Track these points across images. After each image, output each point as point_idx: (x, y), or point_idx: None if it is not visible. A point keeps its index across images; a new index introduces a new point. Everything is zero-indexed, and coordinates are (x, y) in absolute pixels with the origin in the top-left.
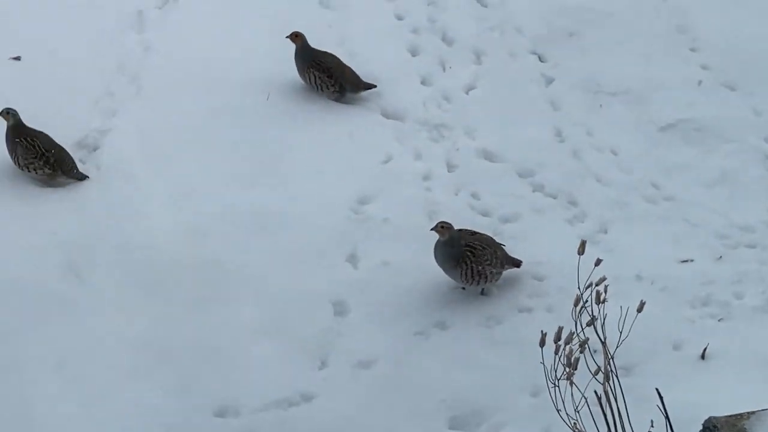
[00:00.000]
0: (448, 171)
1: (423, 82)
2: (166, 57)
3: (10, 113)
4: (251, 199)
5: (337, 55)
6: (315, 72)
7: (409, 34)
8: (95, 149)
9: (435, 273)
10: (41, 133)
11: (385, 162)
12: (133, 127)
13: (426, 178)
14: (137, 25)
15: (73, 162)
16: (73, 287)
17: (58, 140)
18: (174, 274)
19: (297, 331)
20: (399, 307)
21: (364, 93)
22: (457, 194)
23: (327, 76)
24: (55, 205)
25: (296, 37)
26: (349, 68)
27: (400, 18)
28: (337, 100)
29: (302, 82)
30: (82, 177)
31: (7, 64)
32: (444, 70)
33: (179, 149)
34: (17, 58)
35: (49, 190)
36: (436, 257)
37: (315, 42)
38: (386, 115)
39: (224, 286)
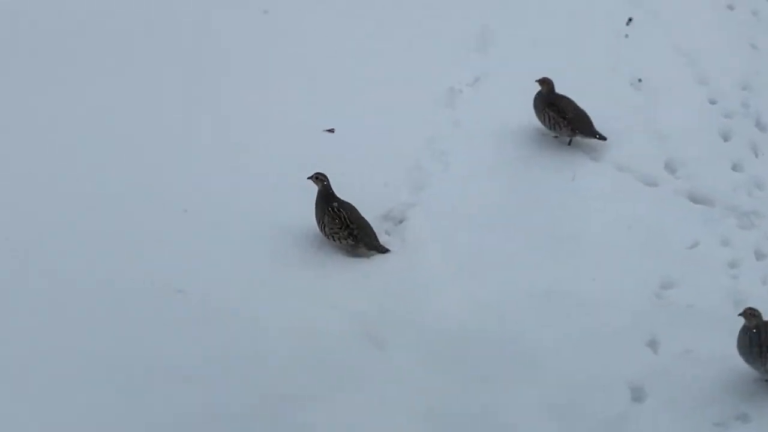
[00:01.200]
0: (757, 260)
1: (734, 168)
2: (475, 133)
3: (319, 178)
4: (547, 277)
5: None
6: (551, 112)
7: (722, 118)
8: (401, 222)
9: (740, 363)
10: (348, 204)
11: (691, 247)
12: (439, 202)
13: (733, 265)
14: (448, 101)
15: (375, 235)
16: (370, 357)
17: (364, 211)
18: (465, 348)
19: (589, 414)
20: (699, 396)
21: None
22: (765, 283)
23: (561, 117)
24: (357, 275)
25: (544, 82)
26: (585, 113)
27: (713, 102)
28: (570, 138)
29: (540, 124)
30: (384, 250)
31: (322, 136)
32: (756, 156)
33: (482, 225)
34: (331, 131)
35: (353, 259)
36: (738, 345)
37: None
38: (694, 200)
39: (515, 363)
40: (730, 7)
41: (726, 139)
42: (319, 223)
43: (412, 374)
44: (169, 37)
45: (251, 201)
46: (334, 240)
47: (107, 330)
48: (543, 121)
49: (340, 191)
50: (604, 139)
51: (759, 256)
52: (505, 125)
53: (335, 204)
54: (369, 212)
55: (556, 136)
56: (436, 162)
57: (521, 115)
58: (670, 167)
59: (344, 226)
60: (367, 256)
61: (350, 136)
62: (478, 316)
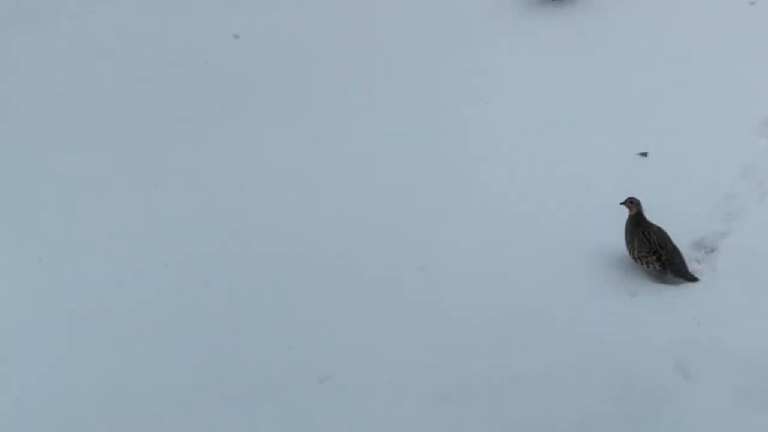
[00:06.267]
0: None
1: None
2: None
3: (633, 203)
4: None
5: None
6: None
7: None
8: (712, 251)
9: None
10: (659, 228)
11: None
12: (753, 233)
13: None
14: (766, 129)
15: (684, 263)
16: (678, 387)
17: (675, 237)
18: None
19: None
20: None
21: None
22: None
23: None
24: (668, 300)
25: (631, 203)
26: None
27: None
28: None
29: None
30: (693, 279)
31: (635, 160)
32: None
33: None
34: (644, 154)
35: (661, 286)
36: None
37: None
38: None
39: None
40: None
41: None
42: (628, 246)
43: (720, 409)
44: None
45: (565, 222)
46: (642, 264)
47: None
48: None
49: (652, 216)
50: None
51: None
52: None
53: (646, 228)
54: (680, 239)
55: None
56: (752, 191)
57: None
58: None
59: (653, 251)
60: (675, 284)
61: (664, 161)
62: None
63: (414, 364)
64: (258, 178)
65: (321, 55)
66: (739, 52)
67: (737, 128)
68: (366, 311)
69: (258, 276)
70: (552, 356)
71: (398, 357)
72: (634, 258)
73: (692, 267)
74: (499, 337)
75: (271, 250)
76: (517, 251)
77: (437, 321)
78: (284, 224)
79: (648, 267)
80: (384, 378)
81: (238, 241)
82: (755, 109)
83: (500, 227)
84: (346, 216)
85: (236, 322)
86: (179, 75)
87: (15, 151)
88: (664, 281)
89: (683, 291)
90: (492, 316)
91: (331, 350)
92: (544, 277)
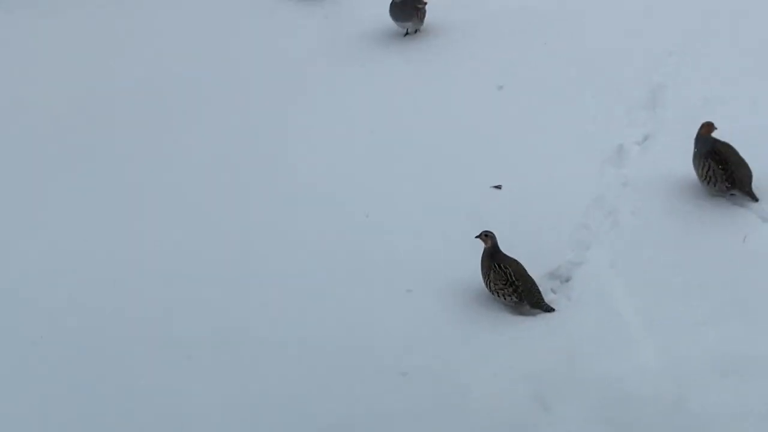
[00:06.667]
0: None
1: None
2: (643, 192)
3: (488, 236)
4: (725, 343)
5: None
6: (711, 162)
7: None
8: (567, 280)
9: None
10: (514, 260)
11: None
12: (606, 261)
13: None
14: (617, 159)
15: (540, 293)
16: (538, 418)
17: (531, 268)
18: (634, 414)
19: None
20: None
21: None
22: None
23: (721, 169)
24: (526, 331)
25: (707, 126)
26: (747, 167)
27: None
28: (721, 192)
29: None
30: (549, 309)
31: (489, 192)
32: None
33: (651, 285)
34: (498, 187)
35: (518, 317)
36: None
37: None
38: None
39: None
40: None
41: None
42: (485, 278)
43: None
44: None
45: (422, 257)
46: (498, 296)
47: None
48: (699, 170)
49: (507, 248)
50: (756, 200)
51: None
52: (674, 184)
53: (501, 260)
54: (535, 270)
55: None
56: (603, 220)
57: (690, 173)
58: None
59: (509, 283)
60: (532, 314)
61: (518, 193)
62: (647, 380)
63: None
64: None
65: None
66: (588, 82)
67: (588, 159)
68: None
69: None
70: (411, 393)
71: None
72: (491, 290)
73: (548, 297)
74: (358, 377)
75: None
76: (377, 288)
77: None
78: None
79: (505, 299)
80: None
81: None
82: (606, 139)
83: (356, 262)
84: None
85: None
86: None
87: None
88: (522, 312)
89: (540, 321)
90: (348, 355)
91: None
92: (402, 312)
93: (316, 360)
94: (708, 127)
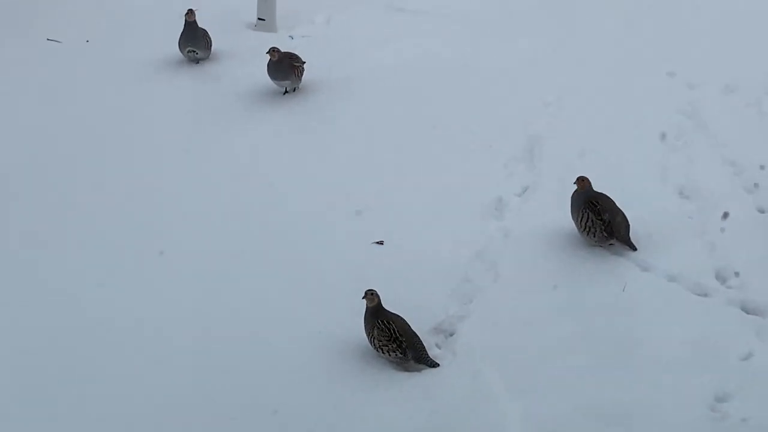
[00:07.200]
0: None
1: None
2: (524, 243)
3: (373, 295)
4: (604, 392)
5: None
6: (588, 211)
7: None
8: (451, 335)
9: None
10: (398, 317)
11: (745, 359)
12: (489, 314)
13: None
14: (497, 212)
15: (425, 349)
16: None
17: (415, 324)
18: None
19: None
20: None
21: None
22: None
23: (599, 219)
24: (408, 389)
25: (581, 181)
26: (624, 217)
27: (761, 211)
28: (601, 242)
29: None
30: (434, 364)
31: (371, 248)
32: None
33: (533, 336)
34: (380, 243)
35: (404, 374)
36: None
37: None
38: (746, 310)
39: None
40: None
41: None
42: (368, 335)
43: None
44: None
45: (306, 316)
46: (383, 353)
47: None
48: (578, 222)
49: (391, 304)
50: (635, 249)
51: None
52: (553, 234)
53: (384, 317)
54: (420, 325)
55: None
56: (485, 273)
57: (569, 224)
58: (721, 277)
59: (393, 339)
60: (418, 370)
61: (399, 248)
62: None
63: None
64: None
65: None
66: (470, 139)
67: (470, 212)
68: None
69: None
70: None
71: None
72: (375, 348)
73: (433, 352)
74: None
75: None
76: (263, 349)
77: None
78: None
79: (390, 355)
80: None
81: None
82: (486, 192)
83: (256, 325)
84: None
85: None
86: None
87: None
88: (406, 368)
89: (425, 377)
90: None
91: None
92: (283, 373)
93: None
94: (582, 182)
